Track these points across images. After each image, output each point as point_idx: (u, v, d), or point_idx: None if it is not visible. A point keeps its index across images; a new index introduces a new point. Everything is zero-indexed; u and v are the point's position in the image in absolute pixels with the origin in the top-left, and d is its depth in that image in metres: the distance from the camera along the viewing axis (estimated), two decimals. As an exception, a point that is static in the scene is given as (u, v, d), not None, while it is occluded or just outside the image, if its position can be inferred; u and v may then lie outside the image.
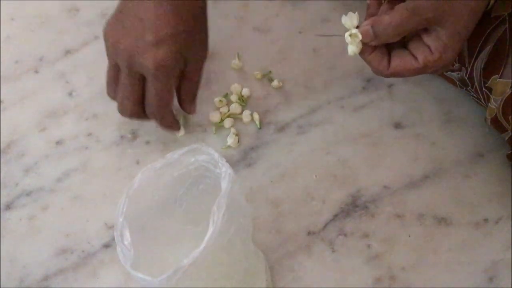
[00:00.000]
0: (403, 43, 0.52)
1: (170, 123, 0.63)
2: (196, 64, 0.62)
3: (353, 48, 0.51)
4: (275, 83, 0.70)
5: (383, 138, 0.66)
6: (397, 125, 0.67)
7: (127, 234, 0.44)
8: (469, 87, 0.63)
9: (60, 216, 0.63)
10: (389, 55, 0.52)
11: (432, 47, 0.50)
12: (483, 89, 0.60)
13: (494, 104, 0.59)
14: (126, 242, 0.44)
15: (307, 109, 0.68)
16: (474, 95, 0.63)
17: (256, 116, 0.68)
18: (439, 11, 0.48)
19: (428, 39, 0.50)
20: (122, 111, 0.62)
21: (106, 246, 0.62)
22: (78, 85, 0.71)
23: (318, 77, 0.70)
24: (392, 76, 0.53)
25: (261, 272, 0.54)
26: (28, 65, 0.73)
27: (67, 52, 0.73)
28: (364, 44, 0.51)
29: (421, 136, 0.66)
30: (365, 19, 0.52)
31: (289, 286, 0.59)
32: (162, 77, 0.58)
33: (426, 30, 0.50)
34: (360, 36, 0.50)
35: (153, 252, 0.49)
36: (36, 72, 0.72)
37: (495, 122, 0.60)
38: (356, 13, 0.51)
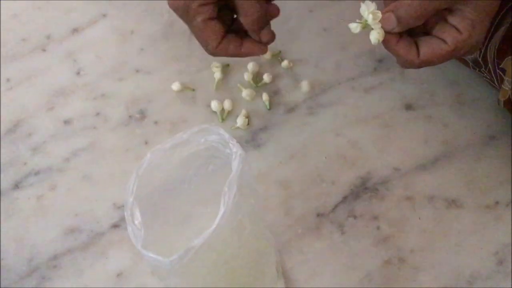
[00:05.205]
0: (426, 32, 0.50)
1: None
2: None
3: (376, 35, 0.49)
4: (285, 63, 0.69)
5: (394, 120, 0.65)
6: (408, 107, 0.66)
7: (137, 214, 0.44)
8: (482, 68, 0.62)
9: (69, 196, 0.63)
10: (416, 44, 0.50)
11: (460, 26, 0.48)
12: (497, 70, 0.59)
13: (508, 86, 0.58)
14: (136, 222, 0.44)
15: (317, 90, 0.67)
16: (487, 77, 0.62)
17: (265, 97, 0.67)
18: None
19: (453, 20, 0.48)
20: None
21: (115, 226, 0.62)
22: (86, 64, 0.70)
23: (328, 57, 0.69)
24: (423, 66, 0.50)
25: (271, 254, 0.54)
26: (35, 43, 0.72)
27: (75, 30, 0.72)
28: (387, 33, 0.49)
29: (432, 118, 0.65)
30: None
31: (298, 268, 0.59)
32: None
33: (449, 11, 0.49)
34: (380, 15, 0.48)
35: (161, 232, 0.48)
36: (44, 50, 0.72)
37: (508, 103, 0.59)
38: (374, 2, 0.49)
